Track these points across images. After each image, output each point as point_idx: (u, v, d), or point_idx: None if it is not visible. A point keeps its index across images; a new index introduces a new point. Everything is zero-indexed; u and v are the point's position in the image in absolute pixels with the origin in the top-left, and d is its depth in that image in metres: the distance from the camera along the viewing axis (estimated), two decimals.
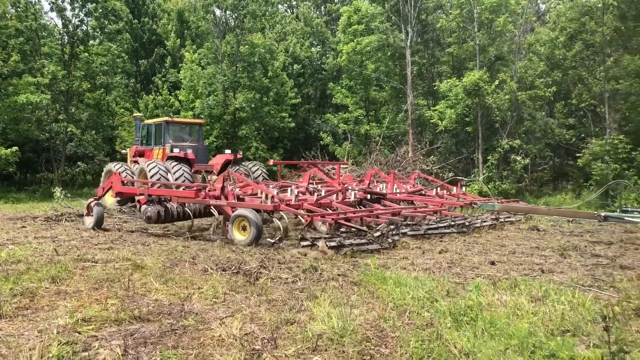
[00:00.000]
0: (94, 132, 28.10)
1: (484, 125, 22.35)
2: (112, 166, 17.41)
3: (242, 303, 5.74)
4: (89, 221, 12.11)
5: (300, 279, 7.00)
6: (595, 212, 11.91)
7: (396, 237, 10.17)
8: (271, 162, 16.44)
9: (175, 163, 15.80)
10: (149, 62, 35.27)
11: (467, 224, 11.97)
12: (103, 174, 18.25)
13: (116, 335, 4.59)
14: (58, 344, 4.18)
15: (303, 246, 9.40)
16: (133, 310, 5.23)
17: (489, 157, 21.82)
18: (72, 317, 4.89)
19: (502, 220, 13.50)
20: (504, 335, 4.51)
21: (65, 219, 13.88)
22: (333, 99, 31.41)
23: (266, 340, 4.51)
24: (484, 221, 12.70)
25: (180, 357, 4.11)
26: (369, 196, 12.98)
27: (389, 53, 26.18)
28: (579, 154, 21.01)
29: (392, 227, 10.56)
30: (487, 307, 5.43)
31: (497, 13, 22.59)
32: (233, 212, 10.55)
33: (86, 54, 26.67)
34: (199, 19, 29.64)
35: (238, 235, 10.18)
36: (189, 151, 16.95)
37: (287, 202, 10.73)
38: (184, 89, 30.37)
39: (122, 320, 4.97)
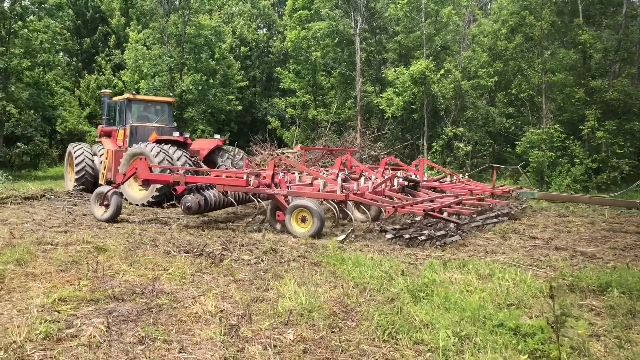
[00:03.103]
0: (32, 111, 27.09)
1: (429, 112, 23.13)
2: (71, 147, 16.31)
3: (210, 283, 5.99)
4: (101, 212, 10.80)
5: (262, 261, 7.29)
6: (638, 201, 12.48)
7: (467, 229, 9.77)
8: (299, 147, 15.72)
9: (176, 148, 14.17)
10: (92, 41, 34.13)
11: (512, 212, 11.94)
12: (66, 156, 16.92)
13: (95, 313, 4.77)
14: (42, 322, 4.32)
15: (388, 239, 8.94)
16: (106, 291, 5.39)
17: (433, 144, 22.65)
18: (49, 297, 5.01)
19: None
20: (458, 308, 4.99)
21: (11, 202, 13.53)
22: (280, 83, 31.51)
23: (241, 316, 4.81)
24: (518, 208, 12.71)
25: (161, 332, 4.34)
26: (406, 183, 12.41)
27: (337, 39, 26.50)
28: (517, 142, 22.13)
29: (467, 218, 10.20)
30: (441, 284, 5.92)
31: (443, 4, 23.30)
32: (288, 201, 9.98)
33: (25, 30, 25.56)
34: None
35: (297, 228, 9.55)
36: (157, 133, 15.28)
37: (354, 192, 9.95)
38: (128, 70, 29.67)
39: (97, 299, 5.13)
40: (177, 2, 29.05)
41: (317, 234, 9.33)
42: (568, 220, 12.40)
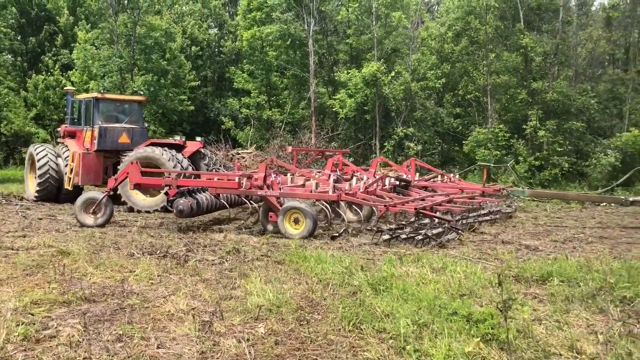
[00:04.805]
0: None
1: (381, 113, 23.75)
2: (33, 148, 15.23)
3: (179, 283, 6.18)
4: (91, 220, 10.58)
5: (226, 260, 7.51)
6: (623, 197, 13.13)
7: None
8: (289, 149, 15.62)
9: (175, 152, 13.72)
10: (37, 40, 33.13)
11: (502, 210, 12.31)
12: (27, 158, 16.00)
13: (69, 315, 4.90)
14: (18, 324, 4.44)
15: (384, 240, 8.92)
16: (77, 293, 5.51)
17: (385, 144, 23.27)
18: (21, 300, 5.10)
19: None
20: (415, 299, 5.39)
21: None
22: (234, 83, 31.52)
23: (212, 313, 5.05)
24: (511, 207, 13.19)
25: (138, 330, 4.54)
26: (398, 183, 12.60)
27: (289, 41, 26.76)
28: (464, 141, 23.03)
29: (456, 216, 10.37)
30: (399, 277, 6.32)
31: (393, 7, 23.95)
32: (280, 203, 10.03)
33: None
34: None
35: (290, 229, 9.63)
36: (125, 134, 14.91)
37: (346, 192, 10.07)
38: (77, 70, 29.03)
39: (69, 301, 5.26)
40: (126, 2, 28.65)
41: (310, 235, 9.47)
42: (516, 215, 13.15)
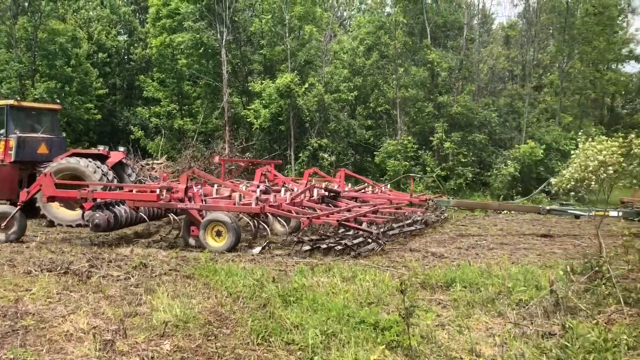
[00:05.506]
0: None
1: (296, 124, 23.90)
2: None
3: (80, 301, 5.88)
4: (1, 236, 9.98)
5: (132, 276, 7.23)
6: (541, 206, 13.68)
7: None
8: (216, 159, 14.96)
9: (99, 163, 12.92)
10: None
11: (428, 220, 12.46)
12: None
13: None
14: None
15: (305, 251, 8.94)
16: None
17: (300, 154, 23.43)
18: None
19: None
20: (324, 309, 5.44)
21: None
22: (144, 92, 30.57)
23: (115, 331, 4.83)
24: (438, 217, 13.43)
25: (31, 353, 4.26)
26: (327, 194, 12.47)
27: (202, 50, 26.35)
28: (376, 152, 23.66)
29: (381, 227, 10.40)
30: (309, 288, 6.37)
31: (305, 20, 24.25)
32: (202, 216, 9.72)
33: None
34: None
35: (212, 242, 9.40)
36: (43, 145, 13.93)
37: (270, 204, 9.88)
38: None
39: None
40: (27, 4, 27.04)
41: (233, 248, 9.30)
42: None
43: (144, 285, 6.60)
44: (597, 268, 6.21)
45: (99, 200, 10.01)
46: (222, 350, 4.49)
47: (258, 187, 11.43)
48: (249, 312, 5.49)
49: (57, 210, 12.68)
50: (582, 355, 4.25)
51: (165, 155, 26.34)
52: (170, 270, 7.67)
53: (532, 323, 5.23)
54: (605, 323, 5.04)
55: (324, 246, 9.04)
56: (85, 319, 5.12)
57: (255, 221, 10.50)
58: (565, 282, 6.12)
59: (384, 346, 4.48)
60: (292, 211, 10.22)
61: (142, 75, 31.66)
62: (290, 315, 5.25)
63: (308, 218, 9.49)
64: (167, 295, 6.04)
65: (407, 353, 4.44)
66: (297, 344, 4.61)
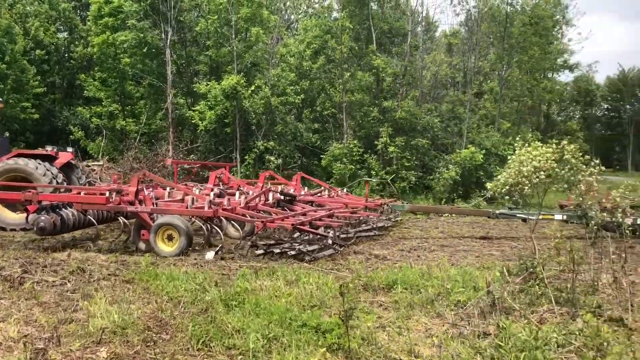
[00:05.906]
0: None
1: (242, 126, 23.73)
2: None
3: (11, 308, 5.64)
4: None
5: (69, 281, 7.00)
6: (491, 210, 13.96)
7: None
8: (169, 161, 14.30)
9: (47, 164, 12.34)
10: None
11: (384, 225, 12.48)
12: None
13: None
14: None
15: (257, 255, 8.87)
16: None
17: (246, 157, 23.27)
18: None
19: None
20: (267, 312, 5.44)
21: None
22: (85, 91, 29.60)
23: (48, 339, 4.67)
24: (391, 221, 13.48)
25: None
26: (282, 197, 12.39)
27: (146, 49, 25.79)
28: (322, 156, 23.80)
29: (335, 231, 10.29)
30: (252, 291, 6.35)
31: (252, 22, 24.14)
32: (153, 219, 9.43)
33: None
34: None
35: (163, 247, 9.17)
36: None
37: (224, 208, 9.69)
38: None
39: None
40: None
41: (184, 253, 9.11)
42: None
43: (81, 291, 6.41)
44: (531, 269, 6.47)
45: (44, 202, 9.63)
46: (161, 357, 4.42)
47: (212, 190, 11.26)
48: (189, 317, 5.42)
49: (4, 214, 12.08)
50: (514, 354, 4.43)
51: (107, 157, 25.59)
52: (109, 275, 7.47)
53: (469, 323, 5.41)
54: (538, 322, 5.27)
55: (277, 250, 9.04)
56: (16, 327, 4.93)
57: (208, 225, 10.33)
58: (501, 283, 6.35)
59: (324, 349, 4.53)
60: (247, 215, 10.15)
61: (83, 74, 30.63)
62: (232, 320, 5.21)
63: (262, 222, 9.39)
64: (105, 300, 5.89)
65: (347, 355, 4.51)
66: (238, 349, 4.59)
